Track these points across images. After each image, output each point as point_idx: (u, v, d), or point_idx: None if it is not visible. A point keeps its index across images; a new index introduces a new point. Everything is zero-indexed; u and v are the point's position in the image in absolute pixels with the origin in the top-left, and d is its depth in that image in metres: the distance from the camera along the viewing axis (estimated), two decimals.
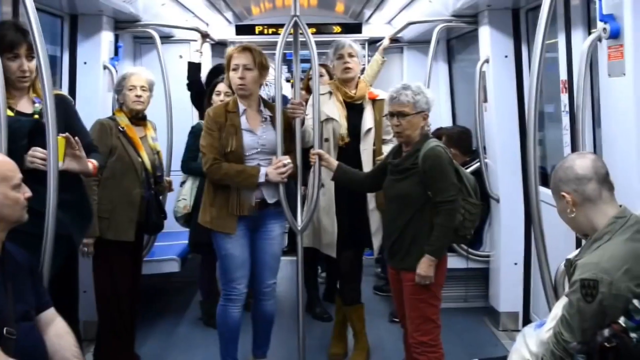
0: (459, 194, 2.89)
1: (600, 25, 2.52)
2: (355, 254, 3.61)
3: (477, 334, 4.13)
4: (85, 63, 3.95)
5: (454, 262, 4.16)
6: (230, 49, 3.28)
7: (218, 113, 3.22)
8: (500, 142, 4.09)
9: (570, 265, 2.03)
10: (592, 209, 2.02)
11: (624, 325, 1.78)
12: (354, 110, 3.56)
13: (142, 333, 4.00)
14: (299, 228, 3.25)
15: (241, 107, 3.23)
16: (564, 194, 2.06)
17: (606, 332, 1.76)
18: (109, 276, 3.37)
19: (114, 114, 3.55)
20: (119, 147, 3.34)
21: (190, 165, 4.02)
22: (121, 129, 3.39)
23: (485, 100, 4.19)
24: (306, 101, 3.49)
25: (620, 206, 2.06)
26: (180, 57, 5.17)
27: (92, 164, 2.73)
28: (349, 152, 3.48)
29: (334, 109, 3.50)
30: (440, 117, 5.42)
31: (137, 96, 3.44)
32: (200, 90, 4.35)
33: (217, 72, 4.29)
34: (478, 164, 4.30)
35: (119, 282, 3.38)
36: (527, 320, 3.99)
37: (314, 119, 3.25)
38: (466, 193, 2.93)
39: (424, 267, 2.84)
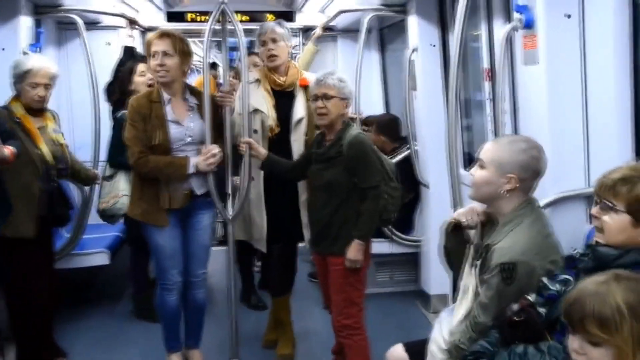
0: (382, 180, 2.95)
1: (516, 15, 2.62)
2: (287, 247, 3.57)
3: (409, 317, 4.24)
4: (2, 49, 3.75)
5: (381, 247, 4.23)
6: (149, 36, 3.18)
7: (141, 104, 3.12)
8: (428, 129, 4.16)
9: (486, 248, 2.10)
10: (516, 198, 2.10)
11: (532, 300, 1.89)
12: (284, 98, 3.38)
13: (72, 328, 3.88)
14: (230, 217, 3.23)
15: (165, 96, 3.13)
16: (512, 176, 2.07)
17: (515, 307, 1.87)
18: (17, 275, 3.17)
19: (9, 103, 3.25)
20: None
21: (118, 159, 3.76)
22: (16, 119, 3.15)
23: (414, 88, 4.28)
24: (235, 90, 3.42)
25: None
26: (108, 44, 5.00)
27: (8, 150, 2.62)
28: (278, 143, 3.32)
29: (261, 100, 3.32)
30: (372, 105, 5.50)
31: (39, 96, 3.20)
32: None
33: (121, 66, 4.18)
34: (408, 150, 4.39)
35: (29, 280, 3.18)
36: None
37: (242, 107, 3.18)
38: (387, 177, 2.99)
39: (354, 251, 2.90)
